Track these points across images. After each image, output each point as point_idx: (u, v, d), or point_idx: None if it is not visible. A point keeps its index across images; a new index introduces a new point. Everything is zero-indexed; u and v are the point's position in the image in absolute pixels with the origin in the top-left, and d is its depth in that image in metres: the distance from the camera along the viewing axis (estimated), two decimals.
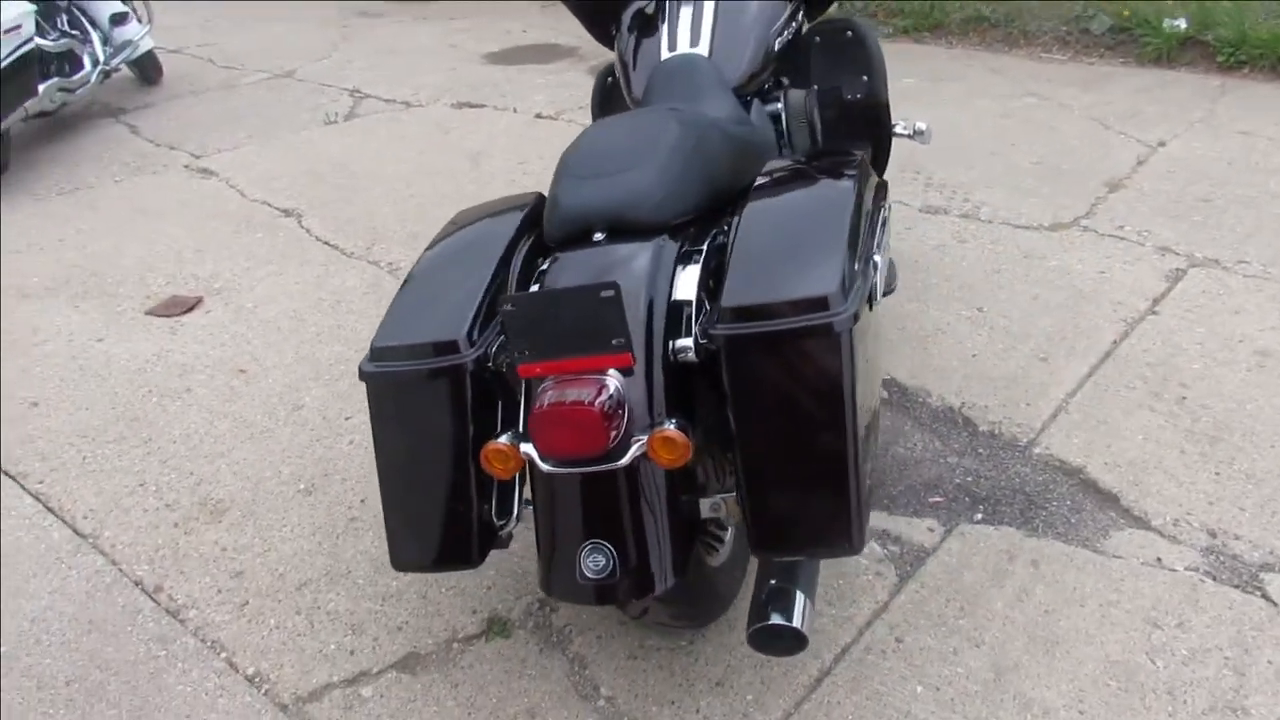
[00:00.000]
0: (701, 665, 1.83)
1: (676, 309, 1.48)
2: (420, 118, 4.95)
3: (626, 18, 2.31)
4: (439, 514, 1.54)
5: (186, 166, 4.55)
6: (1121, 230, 3.19)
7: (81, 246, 3.81)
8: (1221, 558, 1.95)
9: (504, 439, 1.42)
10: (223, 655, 1.96)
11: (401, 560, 1.60)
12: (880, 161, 2.58)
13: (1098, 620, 1.83)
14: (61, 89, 4.84)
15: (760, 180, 1.67)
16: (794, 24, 2.37)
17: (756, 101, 2.24)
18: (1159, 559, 1.95)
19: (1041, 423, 2.37)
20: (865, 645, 1.83)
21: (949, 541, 2.05)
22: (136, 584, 2.15)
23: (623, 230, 1.54)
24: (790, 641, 1.45)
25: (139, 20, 5.43)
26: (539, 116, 4.78)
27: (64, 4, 5.06)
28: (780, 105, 2.34)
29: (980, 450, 2.31)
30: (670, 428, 1.34)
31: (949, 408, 2.45)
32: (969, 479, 2.22)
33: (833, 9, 2.54)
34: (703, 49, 2.17)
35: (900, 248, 3.06)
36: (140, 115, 5.34)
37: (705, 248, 1.56)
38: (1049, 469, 2.23)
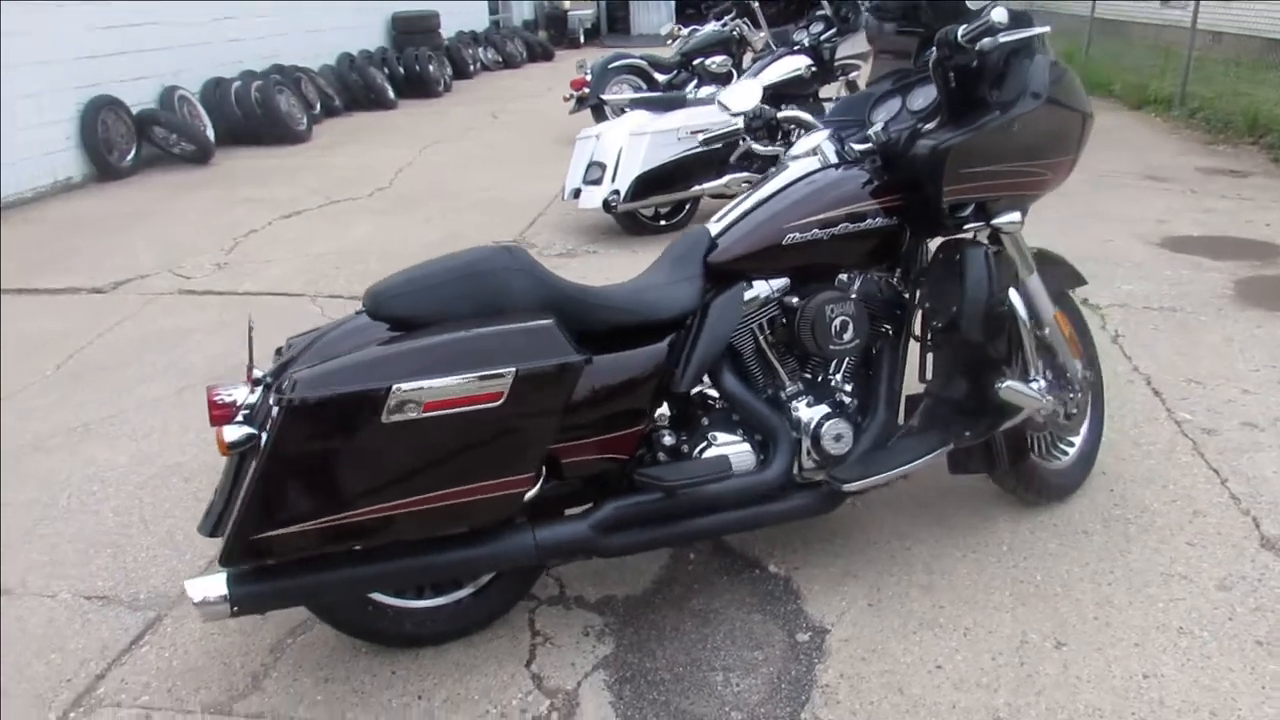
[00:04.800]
0: None
1: None
2: None
3: None
4: None
5: None
6: None
7: None
8: None
9: None
10: None
11: None
12: (978, 424, 2.43)
13: None
14: (746, 181, 5.39)
15: None
16: (857, 223, 2.33)
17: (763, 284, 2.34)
18: None
19: None
20: None
21: None
22: None
23: None
24: None
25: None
26: None
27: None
28: (796, 300, 2.34)
29: None
30: None
31: None
32: None
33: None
34: (715, 228, 2.37)
35: None
36: None
37: None
38: None
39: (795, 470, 2.38)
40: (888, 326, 2.47)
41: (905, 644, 2.26)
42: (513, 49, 16.61)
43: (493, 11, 19.22)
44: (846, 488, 2.32)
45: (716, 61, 8.58)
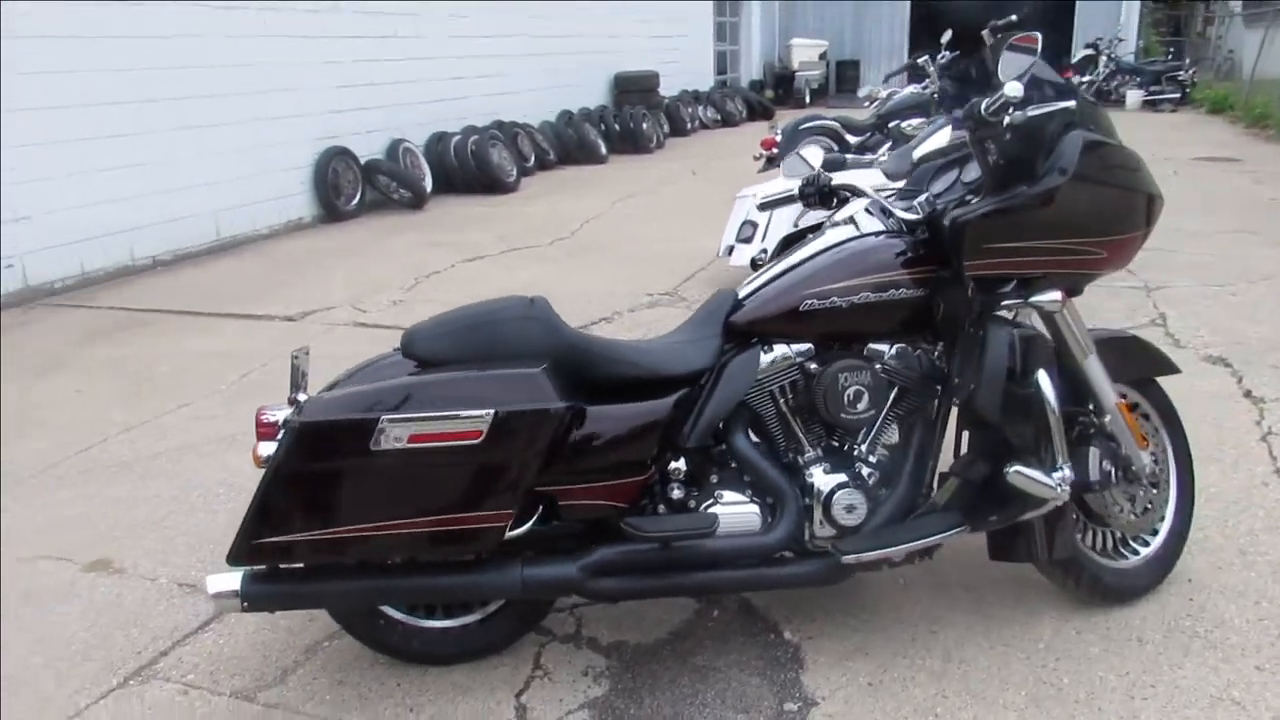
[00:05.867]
0: None
1: None
2: None
3: None
4: None
5: None
6: None
7: None
8: None
9: None
10: None
11: None
12: (1003, 509, 2.32)
13: None
14: None
15: None
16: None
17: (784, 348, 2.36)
18: None
19: None
20: None
21: None
22: None
23: None
24: None
25: None
26: None
27: None
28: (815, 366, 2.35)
29: None
30: None
31: None
32: None
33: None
34: (744, 290, 2.42)
35: None
36: None
37: None
38: None
39: (807, 537, 2.36)
40: (922, 401, 2.42)
41: None
42: (732, 108, 17.01)
43: (720, 71, 19.79)
44: (845, 559, 2.28)
45: (912, 124, 8.43)
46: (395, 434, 2.03)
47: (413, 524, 2.10)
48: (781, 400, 2.38)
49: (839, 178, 2.63)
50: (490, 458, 2.08)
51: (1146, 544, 2.63)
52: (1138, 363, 2.61)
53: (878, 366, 2.35)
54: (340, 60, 8.88)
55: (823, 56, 21.79)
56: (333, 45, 8.77)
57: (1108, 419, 2.45)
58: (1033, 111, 2.13)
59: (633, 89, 14.33)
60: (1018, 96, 2.08)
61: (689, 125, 15.41)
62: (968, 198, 2.34)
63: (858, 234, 2.42)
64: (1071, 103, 2.15)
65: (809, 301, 2.30)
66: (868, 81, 21.12)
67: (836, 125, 9.06)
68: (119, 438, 3.98)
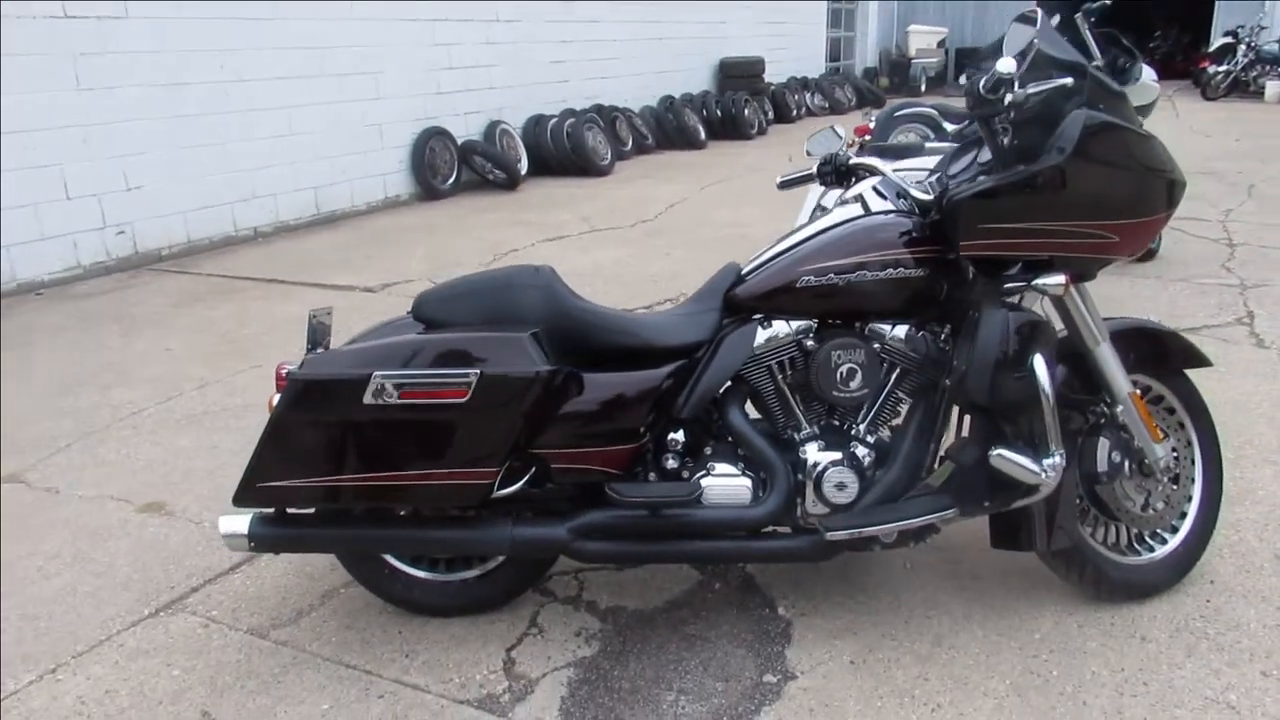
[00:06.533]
0: None
1: None
2: None
3: None
4: None
5: None
6: None
7: None
8: None
9: None
10: None
11: None
12: (995, 495, 2.28)
13: None
14: None
15: None
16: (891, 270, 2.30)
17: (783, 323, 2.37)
18: None
19: None
20: None
21: None
22: None
23: None
24: None
25: None
26: None
27: None
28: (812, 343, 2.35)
29: None
30: None
31: None
32: None
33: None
34: (748, 265, 2.45)
35: None
36: None
37: None
38: None
39: (799, 513, 2.38)
40: (924, 383, 2.39)
41: (862, 707, 2.18)
42: (841, 95, 16.75)
43: (833, 58, 19.49)
44: (829, 535, 2.29)
45: None
46: (387, 390, 2.14)
47: (401, 476, 2.20)
48: (780, 376, 2.39)
49: (856, 158, 2.61)
50: (475, 416, 2.17)
51: (1164, 541, 2.54)
52: (1164, 355, 2.52)
53: (876, 346, 2.34)
54: (444, 43, 9.13)
55: (942, 44, 21.22)
56: (437, 29, 9.03)
57: (1119, 409, 2.38)
58: (1032, 89, 2.08)
59: (738, 75, 14.26)
60: (1009, 73, 2.04)
61: (795, 112, 15.25)
62: (979, 178, 2.30)
63: (863, 213, 2.41)
64: (1068, 80, 2.09)
65: (806, 278, 2.31)
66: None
67: (934, 112, 8.83)
68: (193, 393, 4.24)
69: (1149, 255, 6.10)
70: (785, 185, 2.79)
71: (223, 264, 6.74)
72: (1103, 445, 2.38)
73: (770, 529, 2.39)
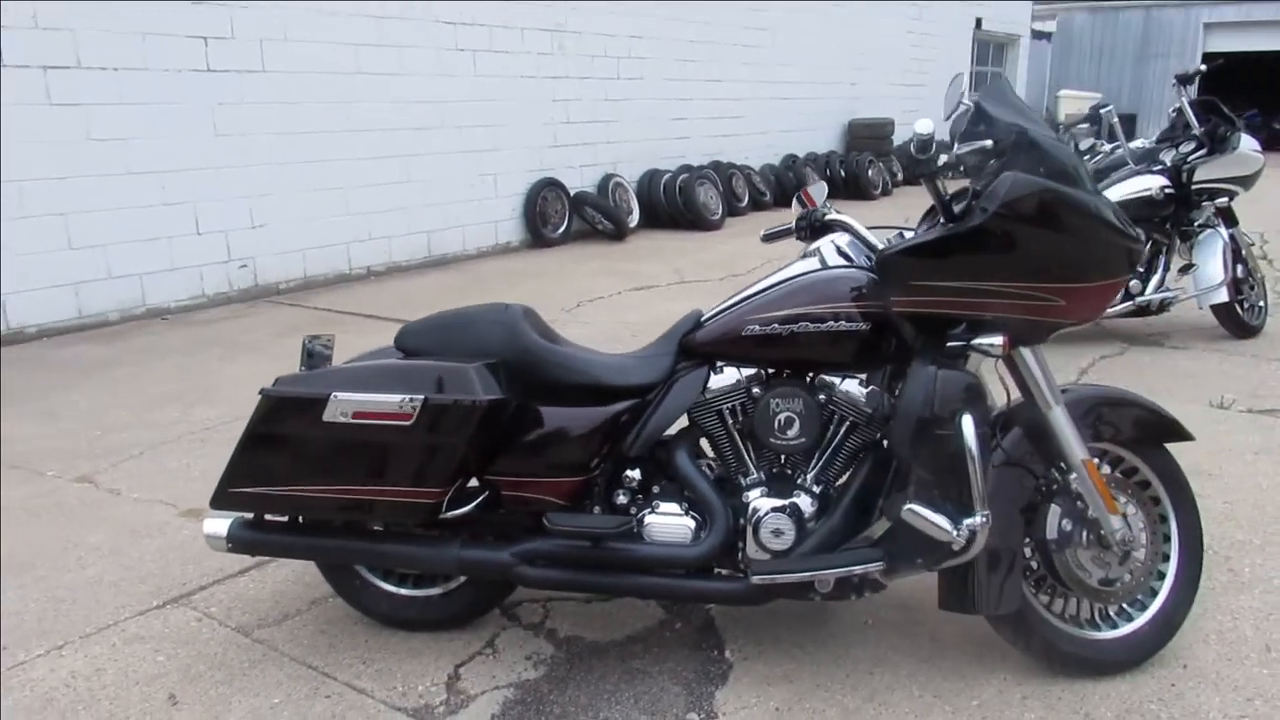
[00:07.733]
0: None
1: None
2: None
3: None
4: None
5: None
6: None
7: None
8: None
9: None
10: None
11: None
12: (930, 552, 2.24)
13: None
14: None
15: None
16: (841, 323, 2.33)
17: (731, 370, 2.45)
18: None
19: None
20: None
21: None
22: None
23: None
24: None
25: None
26: None
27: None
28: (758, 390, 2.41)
29: None
30: None
31: None
32: None
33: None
34: (708, 312, 2.52)
35: None
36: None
37: None
38: None
39: (740, 557, 2.42)
40: (872, 435, 2.41)
41: None
42: None
43: None
44: (753, 579, 2.32)
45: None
46: (343, 409, 2.33)
47: (354, 491, 2.38)
48: (730, 421, 2.46)
49: (832, 214, 2.67)
50: (421, 439, 2.33)
51: (1130, 619, 2.44)
52: (1142, 427, 2.45)
53: (822, 397, 2.38)
54: (563, 99, 9.57)
55: (1096, 108, 20.53)
56: (557, 85, 9.48)
57: (1073, 477, 2.33)
58: (959, 150, 2.11)
59: (866, 135, 14.24)
60: (925, 134, 2.08)
61: None
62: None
63: (819, 267, 2.46)
64: (988, 143, 2.11)
65: (751, 327, 2.38)
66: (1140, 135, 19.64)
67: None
68: None
69: (1251, 332, 5.76)
70: (769, 239, 2.87)
71: (333, 299, 7.23)
72: (1054, 512, 2.33)
73: (709, 569, 2.44)
